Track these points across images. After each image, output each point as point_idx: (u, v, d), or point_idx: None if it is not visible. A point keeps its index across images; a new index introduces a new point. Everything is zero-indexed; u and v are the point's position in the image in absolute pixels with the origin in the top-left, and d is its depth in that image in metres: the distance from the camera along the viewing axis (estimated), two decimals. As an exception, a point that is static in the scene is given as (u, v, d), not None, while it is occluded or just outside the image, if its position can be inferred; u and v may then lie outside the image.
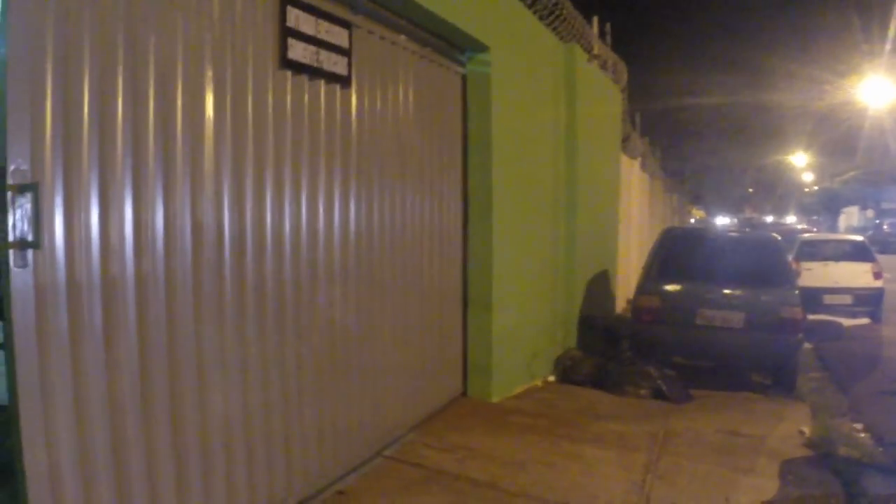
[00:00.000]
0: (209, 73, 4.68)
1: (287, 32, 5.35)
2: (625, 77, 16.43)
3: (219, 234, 4.76)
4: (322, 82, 5.82)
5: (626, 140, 18.02)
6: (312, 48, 5.61)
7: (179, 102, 4.45)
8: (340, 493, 5.92)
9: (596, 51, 13.05)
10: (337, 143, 6.05)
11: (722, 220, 69.45)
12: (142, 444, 4.18)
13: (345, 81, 6.06)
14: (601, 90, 13.90)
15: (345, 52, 6.01)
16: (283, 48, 5.32)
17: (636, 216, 21.04)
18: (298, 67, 5.49)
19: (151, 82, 4.25)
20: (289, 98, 5.44)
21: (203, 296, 4.63)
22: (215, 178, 4.73)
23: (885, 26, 37.98)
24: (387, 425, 6.93)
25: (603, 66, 14.07)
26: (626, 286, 17.05)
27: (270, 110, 5.25)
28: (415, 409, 7.52)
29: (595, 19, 13.73)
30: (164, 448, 4.34)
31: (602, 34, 14.56)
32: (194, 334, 4.55)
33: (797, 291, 10.56)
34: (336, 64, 5.89)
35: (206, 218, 4.65)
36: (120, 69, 4.04)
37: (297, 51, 5.45)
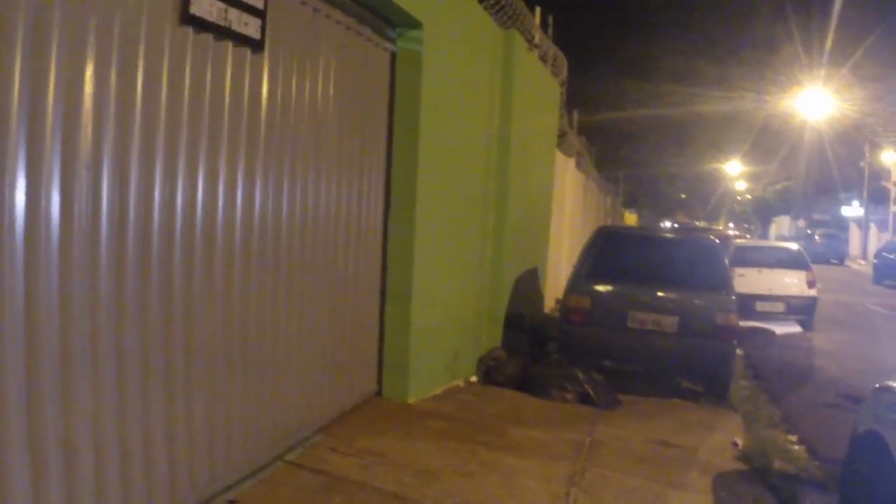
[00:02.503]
0: (91, 24, 4.05)
1: (189, -17, 4.75)
2: (564, 72, 16.08)
3: (94, 211, 4.13)
4: (230, 44, 5.23)
5: (562, 136, 17.68)
6: (220, 4, 5.01)
7: (53, 59, 3.81)
8: (232, 502, 5.35)
9: (537, 40, 12.62)
10: (243, 115, 5.46)
11: (655, 225, 69.88)
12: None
13: (256, 46, 5.47)
14: (539, 82, 13.49)
15: (259, 14, 5.42)
16: (185, 1, 4.72)
17: (569, 215, 20.73)
18: (202, 25, 4.89)
19: (19, 35, 3.62)
20: (188, 59, 4.83)
21: (71, 278, 4.00)
22: (94, 146, 4.10)
23: (823, 40, 38.34)
24: (290, 426, 6.35)
25: (543, 58, 13.67)
26: (555, 286, 16.71)
27: (165, 72, 4.63)
28: (322, 410, 6.96)
29: (538, 9, 13.30)
30: (16, 449, 3.71)
31: (544, 25, 14.14)
32: (58, 318, 3.93)
33: (734, 297, 10.24)
34: (247, 25, 5.30)
35: (79, 195, 4.01)
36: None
37: (202, 6, 4.84)
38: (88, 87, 4.03)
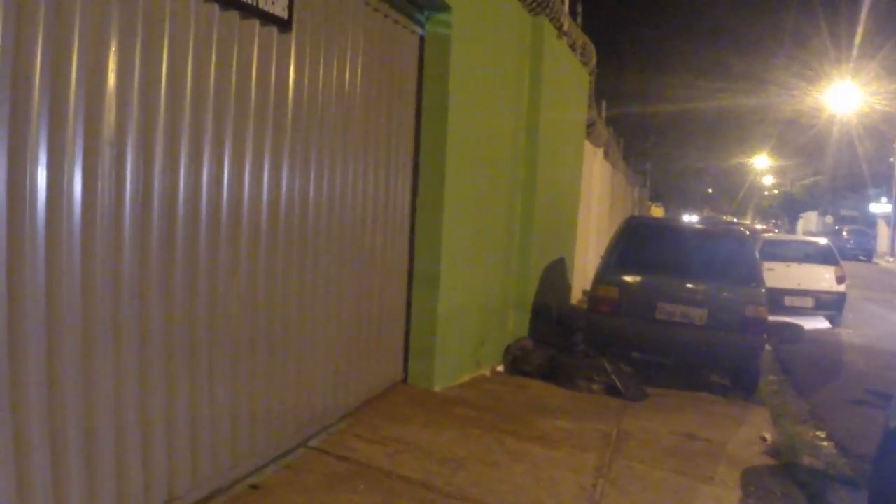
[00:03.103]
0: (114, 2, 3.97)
1: (215, -40, 4.66)
2: (594, 60, 15.90)
3: (118, 190, 4.05)
4: (256, 23, 5.14)
5: (591, 126, 17.52)
6: (246, -19, 4.93)
7: (76, 34, 3.73)
8: (254, 487, 5.26)
9: (566, 28, 12.46)
10: (270, 94, 5.37)
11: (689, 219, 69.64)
12: (7, 430, 3.50)
13: (284, 25, 5.38)
14: (568, 70, 13.36)
15: (286, -8, 5.34)
16: (211, -23, 4.64)
17: (596, 206, 20.59)
18: (228, 2, 4.81)
19: (41, 10, 3.54)
20: (215, 37, 4.75)
21: (94, 258, 3.92)
22: (117, 124, 4.02)
23: (853, 35, 37.95)
24: (314, 412, 6.28)
25: (572, 46, 13.51)
26: (582, 276, 16.61)
27: (191, 50, 4.55)
28: (347, 396, 6.88)
29: (567, -3, 13.16)
30: (35, 433, 3.64)
31: (573, 13, 13.99)
32: (80, 298, 3.85)
33: (763, 290, 10.08)
34: (274, 3, 5.21)
35: (102, 173, 3.93)
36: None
37: (227, -18, 4.77)
38: (112, 64, 3.96)
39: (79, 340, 3.85)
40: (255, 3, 5.01)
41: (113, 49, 3.95)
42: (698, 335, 9.90)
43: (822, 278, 17.96)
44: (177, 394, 4.61)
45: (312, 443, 6.16)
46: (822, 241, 20.71)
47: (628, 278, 10.42)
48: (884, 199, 62.34)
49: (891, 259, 51.15)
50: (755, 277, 10.36)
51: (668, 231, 12.32)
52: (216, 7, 4.73)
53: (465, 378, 8.91)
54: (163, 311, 4.46)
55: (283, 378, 5.76)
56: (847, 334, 16.96)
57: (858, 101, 45.33)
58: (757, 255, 11.43)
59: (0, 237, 3.44)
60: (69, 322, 3.80)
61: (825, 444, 8.37)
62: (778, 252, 18.84)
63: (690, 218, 64.22)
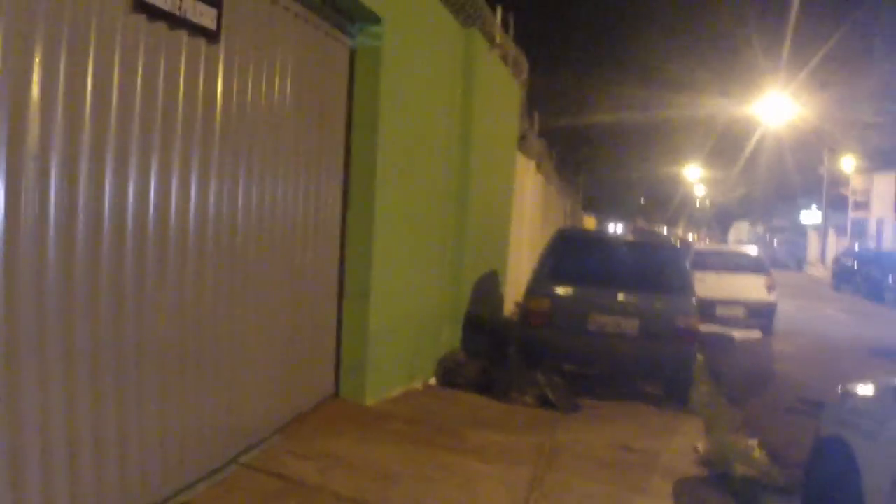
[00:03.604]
0: (40, 7, 3.87)
1: (141, -31, 4.58)
2: (525, 72, 16.02)
3: (41, 204, 3.94)
4: (184, 34, 5.06)
5: (523, 138, 17.62)
6: (174, -8, 4.85)
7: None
8: (184, 505, 5.17)
9: (498, 40, 12.51)
10: (198, 107, 5.29)
11: (614, 229, 70.31)
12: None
13: (212, 37, 5.31)
14: (500, 82, 13.43)
15: (215, 3, 5.26)
16: (137, -13, 4.55)
17: (529, 217, 20.67)
18: (155, 13, 4.72)
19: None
20: (141, 48, 4.67)
21: (17, 274, 3.81)
22: (41, 137, 3.92)
23: (783, 46, 38.63)
24: (246, 428, 6.19)
25: (504, 58, 13.58)
26: (515, 288, 16.62)
27: (117, 62, 4.45)
28: (279, 411, 6.80)
29: (499, 9, 13.20)
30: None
31: (505, 25, 14.05)
32: (2, 315, 3.74)
33: (694, 300, 10.21)
34: (203, 15, 5.14)
35: (25, 187, 3.82)
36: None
37: (154, -7, 4.69)
38: (36, 75, 3.86)
39: (1, 358, 3.74)
40: (182, 15, 4.93)
41: (37, 60, 3.86)
42: (630, 346, 9.97)
43: (753, 288, 18.22)
44: (104, 411, 4.50)
45: (244, 459, 6.06)
46: (753, 250, 21.03)
47: (560, 290, 10.47)
48: (814, 207, 63.52)
49: (821, 267, 52.08)
50: (686, 288, 10.48)
51: (599, 242, 12.44)
52: (143, 18, 4.64)
53: (398, 391, 8.85)
54: (89, 328, 4.35)
55: (213, 394, 5.66)
56: (778, 343, 17.23)
57: (789, 112, 46.14)
58: (688, 266, 11.55)
59: None
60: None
61: (758, 452, 8.41)
62: (709, 262, 19.07)
63: (616, 228, 64.88)
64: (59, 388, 4.13)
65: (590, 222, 61.46)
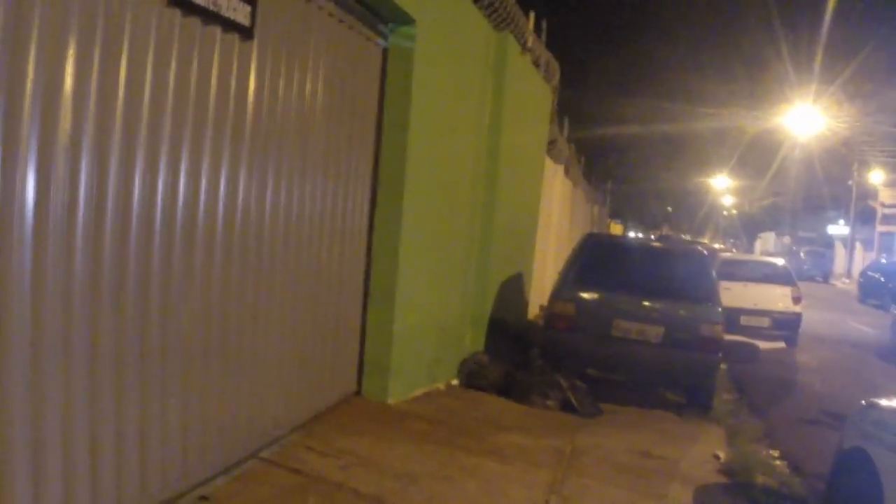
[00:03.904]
0: (73, 3, 3.91)
1: (177, -34, 4.62)
2: (557, 77, 15.97)
3: (71, 198, 3.98)
4: (218, 30, 5.10)
5: (552, 143, 17.57)
6: (208, -12, 4.89)
7: (33, 37, 3.68)
8: (203, 498, 5.20)
9: (530, 44, 12.50)
10: (230, 104, 5.33)
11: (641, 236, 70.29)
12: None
13: (246, 33, 5.34)
14: (531, 86, 13.40)
15: (249, 0, 5.30)
16: (172, -18, 4.60)
17: (556, 222, 20.64)
18: (190, 7, 4.76)
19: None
20: (175, 43, 4.71)
21: (45, 267, 3.85)
22: (73, 130, 3.95)
23: (813, 57, 38.41)
24: (266, 423, 6.22)
25: (535, 63, 13.56)
26: (540, 292, 16.62)
27: (151, 55, 4.50)
28: (300, 407, 6.83)
29: (532, 14, 13.19)
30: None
31: (538, 30, 14.03)
32: (30, 308, 3.79)
33: (720, 309, 10.16)
34: (237, 11, 5.18)
35: (56, 180, 3.87)
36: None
37: (189, -12, 4.73)
38: (70, 67, 3.90)
39: (27, 349, 3.78)
40: (216, 10, 4.97)
41: (71, 51, 3.90)
42: (654, 353, 9.95)
43: (779, 298, 18.09)
44: (127, 405, 4.54)
45: (264, 454, 6.10)
46: (780, 261, 20.87)
47: (585, 295, 10.46)
48: (841, 222, 63.10)
49: (847, 280, 51.69)
50: (712, 296, 10.44)
51: (625, 249, 12.41)
52: (177, 12, 4.69)
53: (420, 392, 8.86)
54: (114, 321, 4.39)
55: (235, 389, 5.70)
56: (803, 355, 17.13)
57: (819, 124, 45.85)
58: (714, 275, 11.51)
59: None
60: (17, 330, 3.72)
61: (779, 462, 8.41)
62: (735, 272, 18.96)
63: (638, 235, 64.60)
64: (83, 382, 4.17)
65: (616, 229, 61.35)
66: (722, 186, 75.21)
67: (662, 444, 8.28)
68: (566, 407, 9.24)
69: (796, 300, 18.05)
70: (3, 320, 3.65)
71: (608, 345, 10.12)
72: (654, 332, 9.95)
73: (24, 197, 3.70)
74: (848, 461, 5.80)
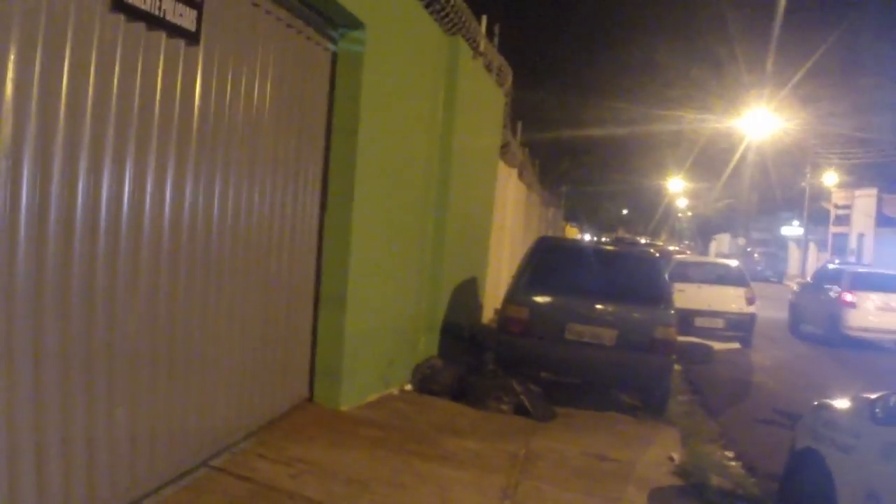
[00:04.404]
0: (16, 4, 3.85)
1: (120, -31, 4.57)
2: (509, 81, 16.01)
3: (13, 203, 3.92)
4: (163, 35, 5.04)
5: (505, 147, 17.62)
6: (154, -7, 4.84)
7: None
8: (152, 509, 5.14)
9: (482, 48, 12.52)
10: (175, 109, 5.26)
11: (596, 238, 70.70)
12: None
13: (191, 38, 5.28)
14: (483, 90, 13.43)
15: (195, 5, 5.24)
16: (116, -13, 4.53)
17: (510, 226, 20.70)
18: (134, 13, 4.69)
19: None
20: (119, 48, 4.64)
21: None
22: (14, 135, 3.88)
23: (766, 60, 38.82)
24: (217, 431, 6.15)
25: (487, 67, 13.58)
26: (495, 296, 16.63)
27: (93, 61, 4.42)
28: (251, 414, 6.76)
29: (484, 18, 13.21)
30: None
31: (490, 34, 14.06)
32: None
33: (673, 311, 10.23)
34: (182, 16, 5.12)
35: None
36: None
37: (134, -7, 4.67)
38: (9, 71, 3.83)
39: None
40: (161, 15, 4.91)
41: (11, 57, 3.84)
42: (608, 355, 9.98)
43: (733, 299, 18.29)
44: (73, 413, 4.47)
45: (214, 462, 6.03)
46: (733, 262, 21.10)
47: (538, 298, 10.48)
48: (795, 223, 63.81)
49: (801, 280, 52.23)
50: (664, 298, 10.51)
51: (578, 252, 12.47)
52: (121, 17, 4.63)
53: (373, 397, 8.82)
54: (58, 329, 4.32)
55: (184, 396, 5.63)
56: (757, 355, 17.29)
57: (773, 127, 46.34)
58: (666, 277, 11.59)
59: None
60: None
61: (733, 463, 8.51)
62: (689, 273, 19.16)
63: (594, 238, 64.86)
64: (27, 390, 4.10)
65: (571, 232, 61.59)
66: (677, 189, 75.79)
67: (618, 446, 8.31)
68: (520, 411, 9.25)
69: (750, 301, 18.26)
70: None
71: (562, 348, 10.13)
72: (608, 335, 9.98)
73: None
74: (801, 461, 5.87)
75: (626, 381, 10.61)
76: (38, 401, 4.19)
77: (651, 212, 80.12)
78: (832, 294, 20.48)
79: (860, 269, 23.36)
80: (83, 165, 4.42)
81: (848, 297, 19.78)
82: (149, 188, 5.04)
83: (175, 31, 5.10)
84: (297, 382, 7.79)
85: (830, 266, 25.52)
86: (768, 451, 8.54)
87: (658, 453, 8.23)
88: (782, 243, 67.30)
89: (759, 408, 11.61)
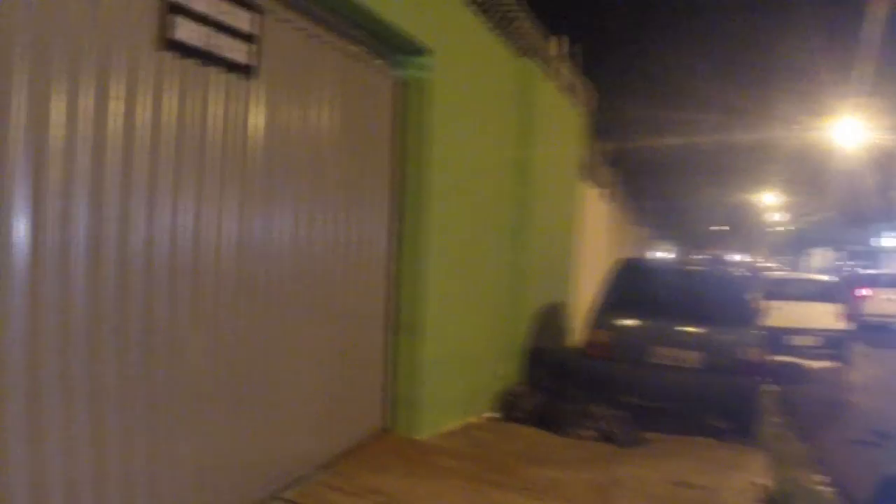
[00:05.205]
0: (58, 46, 3.88)
1: (172, 8, 4.59)
2: (588, 101, 15.86)
3: (65, 240, 3.97)
4: (217, 70, 5.06)
5: (587, 166, 17.45)
6: (205, 29, 4.85)
7: (14, 85, 3.67)
8: (220, 544, 5.11)
9: (557, 69, 12.41)
10: (233, 141, 5.28)
11: (686, 257, 69.64)
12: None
13: (247, 72, 5.30)
14: (560, 111, 13.29)
15: (249, 39, 5.27)
16: (167, 26, 4.56)
17: (595, 246, 20.45)
18: (185, 50, 4.73)
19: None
20: (172, 85, 4.67)
21: (41, 309, 3.82)
22: (64, 176, 3.93)
23: (860, 68, 37.90)
24: (288, 462, 6.13)
25: (564, 87, 13.46)
26: (580, 318, 16.42)
27: (145, 97, 4.46)
28: (324, 445, 6.72)
29: (562, 39, 13.12)
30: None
31: (570, 54, 13.96)
32: (26, 351, 3.76)
33: (758, 331, 9.95)
34: (236, 51, 5.14)
35: (50, 224, 3.86)
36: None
37: (185, 30, 4.69)
38: (57, 115, 3.87)
39: (22, 394, 3.75)
40: (214, 51, 4.93)
41: (58, 101, 3.87)
42: (693, 379, 9.75)
43: (826, 316, 17.74)
44: (134, 450, 4.48)
45: (286, 494, 5.99)
46: (827, 278, 20.53)
47: (620, 322, 10.31)
48: (891, 234, 62.08)
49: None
50: (751, 319, 10.26)
51: (661, 273, 12.24)
52: (172, 56, 4.65)
53: (452, 426, 8.72)
54: (117, 364, 4.34)
55: (251, 429, 5.61)
56: (853, 373, 16.77)
57: (867, 136, 45.17)
58: (753, 296, 11.29)
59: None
60: (12, 375, 3.70)
61: (825, 489, 8.18)
62: (782, 290, 18.66)
63: (689, 256, 63.80)
64: (86, 427, 4.12)
65: (659, 250, 60.78)
66: (769, 202, 74.35)
67: (702, 472, 8.06)
68: (604, 437, 9.06)
69: (846, 317, 17.69)
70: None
71: (646, 372, 9.93)
72: (693, 358, 9.75)
73: (14, 240, 3.70)
74: (889, 487, 5.62)
75: (713, 405, 10.32)
76: (97, 437, 4.20)
77: (742, 227, 78.76)
78: None
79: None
80: (137, 200, 4.45)
81: None
82: (208, 221, 5.06)
83: (230, 65, 5.13)
84: (373, 411, 7.74)
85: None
86: (863, 474, 8.21)
87: (745, 479, 7.95)
88: (878, 255, 65.53)
89: (855, 428, 11.19)
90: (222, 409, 5.27)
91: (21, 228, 3.71)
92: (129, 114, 4.35)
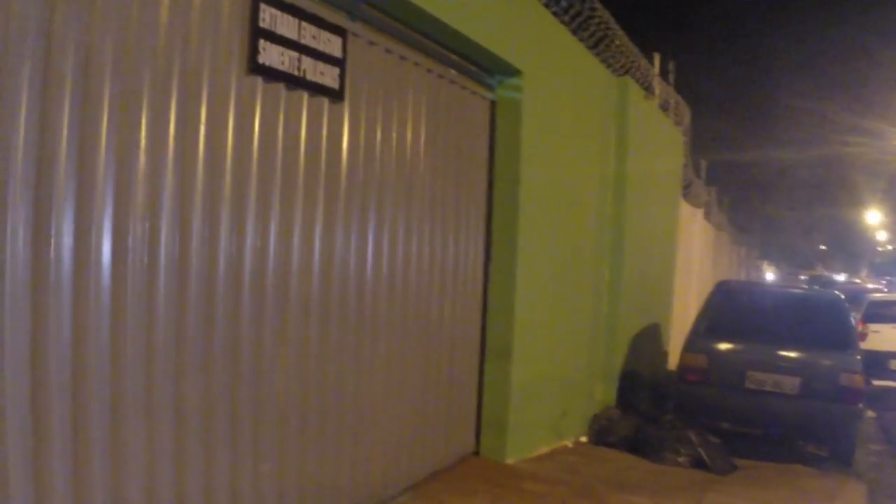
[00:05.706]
0: (146, 73, 3.96)
1: (259, 33, 4.64)
2: (687, 119, 15.65)
3: (151, 261, 4.03)
4: (304, 94, 5.10)
5: (687, 187, 17.18)
6: (293, 53, 4.90)
7: (105, 108, 3.74)
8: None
9: (655, 88, 12.26)
10: (322, 164, 5.31)
11: (788, 277, 68.23)
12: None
13: (335, 95, 5.33)
14: (659, 130, 13.11)
15: (337, 62, 5.29)
16: (254, 51, 4.61)
17: (697, 268, 20.12)
18: (273, 74, 4.78)
19: (67, 82, 3.55)
20: (258, 109, 4.72)
21: (125, 329, 3.89)
22: (150, 196, 4.01)
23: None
24: (374, 485, 6.12)
25: (663, 106, 13.29)
26: (679, 341, 16.15)
27: (231, 121, 4.52)
28: (411, 468, 6.69)
29: (658, 56, 12.97)
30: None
31: (665, 72, 13.79)
32: (109, 369, 3.82)
33: (859, 357, 9.64)
34: (324, 74, 5.17)
35: (133, 244, 3.93)
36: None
37: (272, 55, 4.74)
38: (143, 139, 3.94)
39: (107, 413, 3.82)
40: (301, 75, 4.97)
41: (144, 123, 3.95)
42: (790, 405, 9.49)
43: None
44: (215, 470, 4.52)
45: (372, 517, 5.99)
46: (932, 299, 19.80)
47: (717, 346, 10.10)
48: None
49: None
50: (850, 343, 9.96)
51: (759, 295, 11.99)
52: (259, 80, 4.70)
53: (543, 450, 8.62)
54: (201, 386, 4.39)
55: (336, 450, 5.62)
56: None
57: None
58: (852, 320, 10.94)
59: (24, 306, 3.42)
60: (96, 394, 3.76)
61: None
62: (884, 313, 18.03)
63: (799, 276, 62.36)
64: (167, 445, 4.17)
65: (761, 269, 59.55)
66: (876, 221, 72.37)
67: (797, 502, 7.84)
68: (698, 464, 8.86)
69: None
70: (82, 381, 3.69)
71: (742, 397, 9.70)
72: (790, 383, 9.49)
73: (100, 260, 3.77)
74: None
75: (810, 432, 10.07)
76: (179, 456, 4.26)
77: (850, 247, 76.80)
78: None
79: None
80: (224, 223, 4.50)
81: None
82: (295, 242, 5.10)
83: (317, 89, 5.16)
84: (462, 435, 7.68)
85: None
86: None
87: (842, 510, 7.74)
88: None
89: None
90: (307, 430, 5.28)
91: (105, 248, 3.78)
92: (216, 137, 4.41)
